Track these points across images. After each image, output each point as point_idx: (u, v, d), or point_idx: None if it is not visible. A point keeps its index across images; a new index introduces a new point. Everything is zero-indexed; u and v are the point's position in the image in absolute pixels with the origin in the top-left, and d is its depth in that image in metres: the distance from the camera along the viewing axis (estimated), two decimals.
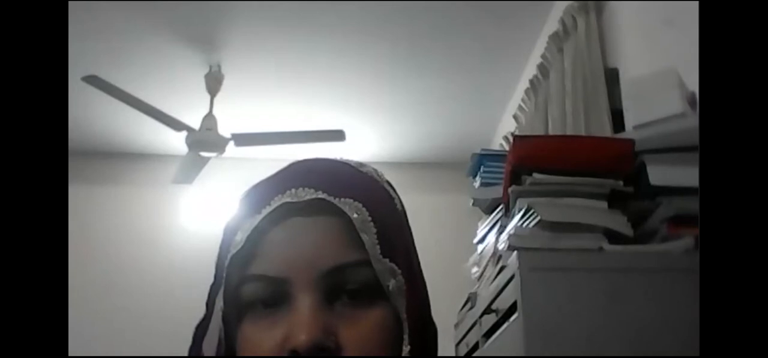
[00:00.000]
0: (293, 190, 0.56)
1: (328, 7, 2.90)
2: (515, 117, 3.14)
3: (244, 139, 3.41)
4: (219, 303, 0.59)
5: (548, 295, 1.20)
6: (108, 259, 4.06)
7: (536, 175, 1.30)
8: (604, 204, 1.27)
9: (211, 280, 0.61)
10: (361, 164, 0.62)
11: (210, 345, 0.59)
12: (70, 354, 0.69)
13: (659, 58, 1.84)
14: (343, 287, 0.54)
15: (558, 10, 2.63)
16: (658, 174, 1.26)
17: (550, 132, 2.45)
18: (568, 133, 2.22)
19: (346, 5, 2.89)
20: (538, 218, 1.24)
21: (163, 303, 3.96)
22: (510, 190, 1.35)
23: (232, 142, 3.41)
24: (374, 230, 0.55)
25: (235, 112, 3.60)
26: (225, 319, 0.57)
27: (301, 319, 0.52)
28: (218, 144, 3.40)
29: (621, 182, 1.28)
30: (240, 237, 0.56)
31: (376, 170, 0.63)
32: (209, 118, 3.40)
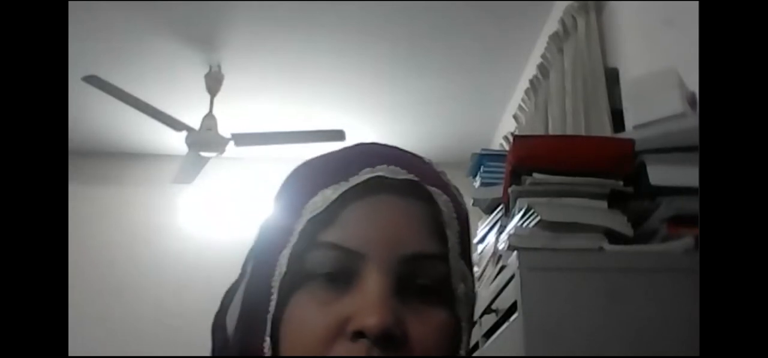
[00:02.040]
0: (385, 166, 0.53)
1: (328, 7, 2.90)
2: (515, 117, 3.14)
3: (244, 139, 3.41)
4: (248, 267, 0.56)
5: (548, 295, 1.20)
6: (108, 259, 4.06)
7: (536, 175, 1.30)
8: (604, 204, 1.27)
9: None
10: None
11: (232, 315, 0.56)
12: (70, 354, 0.69)
13: (659, 58, 1.84)
14: (416, 279, 0.50)
15: (558, 10, 2.63)
16: (658, 174, 1.26)
17: (550, 132, 2.45)
18: (568, 133, 2.22)
19: (346, 5, 2.89)
20: (538, 218, 1.24)
21: (162, 303, 3.96)
22: (510, 190, 1.35)
23: (232, 142, 3.41)
24: (457, 228, 0.53)
25: (235, 112, 3.60)
26: (281, 286, 0.52)
27: (372, 300, 0.48)
28: (218, 144, 3.40)
29: (621, 182, 1.28)
30: (320, 201, 0.52)
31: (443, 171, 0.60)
32: (209, 118, 3.40)
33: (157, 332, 3.87)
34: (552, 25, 2.69)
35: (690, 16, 1.53)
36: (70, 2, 2.10)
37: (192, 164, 3.58)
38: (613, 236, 1.23)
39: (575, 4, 2.41)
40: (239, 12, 2.97)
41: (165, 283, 4.01)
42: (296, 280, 0.51)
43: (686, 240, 1.19)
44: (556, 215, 1.25)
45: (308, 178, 0.55)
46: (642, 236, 1.26)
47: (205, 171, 3.69)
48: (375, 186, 0.52)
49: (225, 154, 3.51)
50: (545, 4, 2.83)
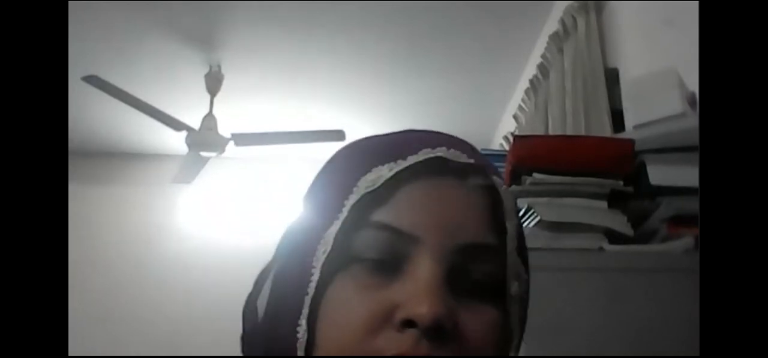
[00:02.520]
0: (445, 148, 0.50)
1: (329, 7, 2.90)
2: (515, 117, 3.14)
3: (244, 139, 3.41)
4: (284, 246, 0.52)
5: (548, 295, 1.20)
6: (108, 258, 4.06)
7: (536, 176, 1.30)
8: (604, 204, 1.27)
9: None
10: None
11: (264, 297, 0.53)
12: (70, 354, 0.69)
13: (659, 59, 1.84)
14: (469, 271, 0.47)
15: (558, 10, 2.63)
16: (658, 174, 1.26)
17: (550, 132, 2.45)
18: (568, 133, 2.22)
19: (346, 5, 2.89)
20: (538, 218, 1.24)
21: (162, 303, 3.96)
22: (510, 190, 1.35)
23: (232, 142, 3.41)
24: (515, 221, 0.50)
25: (235, 112, 3.60)
26: (324, 266, 0.48)
27: (424, 288, 0.44)
28: (218, 144, 3.40)
29: (621, 182, 1.28)
30: (374, 178, 0.48)
31: None
32: (209, 118, 3.40)
33: (158, 332, 3.87)
34: (552, 25, 2.69)
35: (690, 16, 1.53)
36: (70, 2, 2.10)
37: (192, 164, 3.58)
38: (613, 236, 1.23)
39: (575, 4, 2.41)
40: (239, 12, 2.97)
41: (165, 283, 4.01)
42: (341, 260, 0.47)
43: (686, 240, 1.19)
44: (556, 215, 1.25)
45: (362, 154, 0.51)
46: (642, 236, 1.26)
47: (205, 171, 3.69)
48: (434, 167, 0.49)
49: (225, 154, 3.51)
50: (545, 4, 2.83)
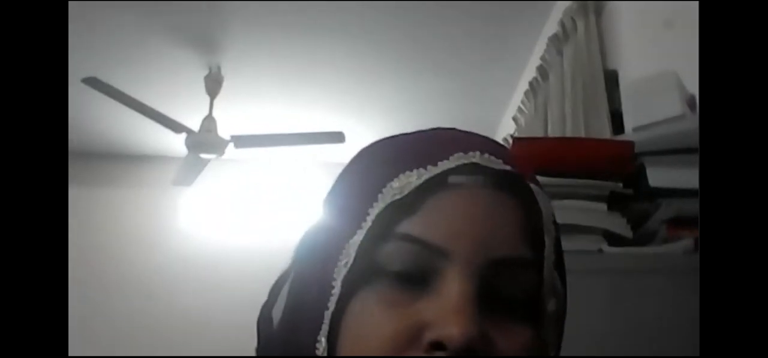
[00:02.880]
0: (479, 153, 0.46)
1: (328, 9, 2.91)
2: (514, 119, 3.14)
3: (243, 141, 3.41)
4: (300, 254, 0.49)
5: None
6: (108, 260, 4.06)
7: (536, 177, 1.30)
8: (603, 206, 1.27)
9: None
10: None
11: (279, 307, 0.50)
12: (70, 354, 0.69)
13: (659, 60, 1.84)
14: (503, 287, 0.43)
15: (557, 11, 2.64)
16: (658, 176, 1.26)
17: (550, 134, 2.45)
18: (568, 135, 2.22)
19: (346, 6, 2.89)
20: None
21: (162, 304, 3.96)
22: None
23: (231, 144, 3.41)
24: (554, 234, 0.46)
25: (234, 114, 3.60)
26: (345, 279, 0.44)
27: (455, 307, 0.41)
28: (218, 146, 3.40)
29: (620, 184, 1.28)
30: (401, 185, 0.44)
31: None
32: (209, 120, 3.40)
33: (158, 333, 3.87)
34: (551, 27, 2.69)
35: (690, 17, 1.53)
36: (70, 3, 2.10)
37: (192, 166, 3.58)
38: (613, 238, 1.23)
39: (575, 5, 2.41)
40: (239, 14, 2.97)
41: (165, 284, 4.01)
42: (364, 274, 0.44)
43: (686, 242, 1.19)
44: (555, 217, 1.25)
45: (388, 158, 0.47)
46: (642, 238, 1.26)
47: (206, 173, 3.69)
48: (469, 173, 0.45)
49: (225, 156, 3.51)
50: (545, 5, 2.83)
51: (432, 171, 0.44)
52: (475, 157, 0.45)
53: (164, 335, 3.84)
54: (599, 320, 1.18)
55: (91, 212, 4.06)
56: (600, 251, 1.23)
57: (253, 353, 0.53)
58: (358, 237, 0.44)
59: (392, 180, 0.45)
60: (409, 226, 0.44)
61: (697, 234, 1.13)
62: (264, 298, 0.53)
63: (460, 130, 0.50)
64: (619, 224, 1.25)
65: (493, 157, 0.46)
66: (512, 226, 0.44)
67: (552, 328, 0.45)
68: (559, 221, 1.33)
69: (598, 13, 2.36)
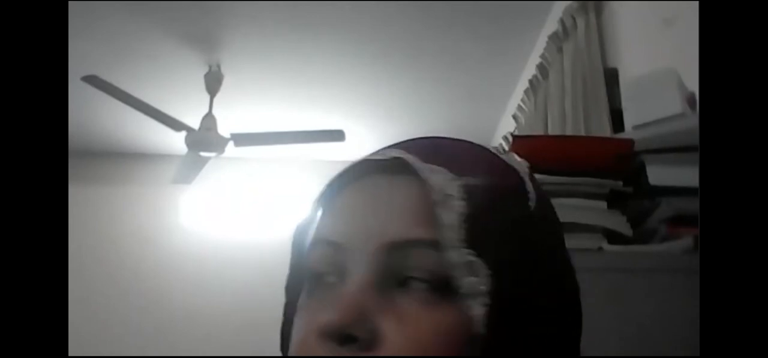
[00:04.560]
0: (383, 150, 0.47)
1: (328, 7, 2.90)
2: (515, 117, 3.14)
3: (243, 139, 3.41)
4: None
5: None
6: (108, 259, 4.06)
7: (535, 175, 1.30)
8: (603, 204, 1.27)
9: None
10: (505, 152, 0.52)
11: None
12: (70, 354, 0.69)
13: (659, 58, 1.84)
14: (403, 269, 0.43)
15: (557, 10, 2.64)
16: (658, 174, 1.26)
17: (550, 132, 2.45)
18: (568, 133, 2.22)
19: (346, 5, 2.89)
20: None
21: (162, 302, 3.96)
22: None
23: (231, 142, 3.41)
24: (462, 210, 0.43)
25: (234, 112, 3.60)
26: (287, 289, 0.49)
27: (340, 296, 0.43)
28: (218, 144, 3.40)
29: (620, 182, 1.28)
30: (323, 191, 0.48)
31: (520, 161, 0.53)
32: (209, 118, 3.40)
33: (158, 332, 3.87)
34: (551, 25, 2.69)
35: (690, 16, 1.53)
36: (70, 2, 2.10)
37: (191, 164, 3.58)
38: (613, 236, 1.23)
39: (575, 4, 2.41)
40: (239, 12, 2.97)
41: (165, 283, 4.01)
42: (303, 283, 0.48)
43: (686, 240, 1.19)
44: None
45: (340, 167, 0.50)
46: (641, 237, 1.26)
47: (206, 171, 3.69)
48: (361, 170, 0.47)
49: (224, 154, 3.51)
50: (545, 4, 2.83)
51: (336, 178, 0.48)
52: (379, 154, 0.47)
53: (164, 334, 3.84)
54: (599, 318, 1.18)
55: (91, 210, 4.06)
56: (600, 249, 1.23)
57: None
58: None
59: (325, 187, 0.49)
60: (323, 229, 0.47)
61: (696, 232, 1.13)
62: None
63: (411, 139, 0.50)
64: (619, 222, 1.25)
65: (397, 150, 0.47)
66: (405, 210, 0.45)
67: (478, 307, 0.42)
68: (560, 219, 1.34)
69: (599, 11, 2.36)
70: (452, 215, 0.43)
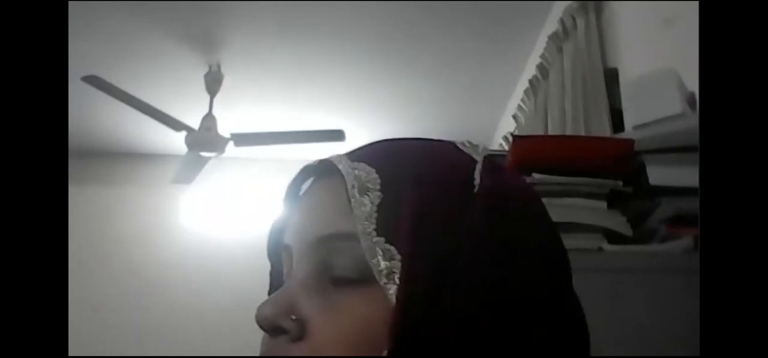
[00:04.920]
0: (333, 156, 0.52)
1: (328, 8, 2.91)
2: (515, 117, 3.14)
3: (243, 139, 3.41)
4: None
5: None
6: (108, 259, 4.07)
7: (535, 176, 1.30)
8: (603, 204, 1.27)
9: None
10: (466, 144, 0.54)
11: None
12: (70, 354, 0.69)
13: (659, 58, 1.84)
14: (333, 262, 0.47)
15: (557, 10, 2.64)
16: (658, 174, 1.26)
17: (550, 132, 2.45)
18: (568, 133, 2.22)
19: (346, 5, 2.89)
20: None
21: (162, 303, 3.96)
22: None
23: (231, 142, 3.41)
24: (376, 201, 0.45)
25: (234, 112, 3.60)
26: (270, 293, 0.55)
27: (278, 291, 0.48)
28: (218, 144, 3.40)
29: (620, 182, 1.28)
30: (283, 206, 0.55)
31: (474, 148, 0.53)
32: (209, 118, 3.40)
33: (158, 332, 3.87)
34: (551, 25, 2.69)
35: (690, 16, 1.53)
36: (70, 2, 2.10)
37: (191, 164, 3.58)
38: (613, 236, 1.23)
39: (575, 4, 2.41)
40: (239, 12, 2.97)
41: (165, 283, 4.01)
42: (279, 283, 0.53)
43: (686, 240, 1.19)
44: (555, 215, 1.23)
45: None
46: (641, 237, 1.26)
47: (206, 171, 3.69)
48: (302, 176, 0.54)
49: (224, 154, 3.51)
50: (545, 4, 2.84)
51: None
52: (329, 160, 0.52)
53: (165, 333, 3.84)
54: (599, 318, 1.18)
55: (91, 210, 4.06)
56: (600, 249, 1.23)
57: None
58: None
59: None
60: (283, 235, 0.53)
61: (696, 232, 1.13)
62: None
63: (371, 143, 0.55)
64: (619, 222, 1.25)
65: (342, 156, 0.50)
66: (330, 206, 0.49)
67: (391, 284, 0.43)
68: (559, 219, 1.34)
69: (599, 11, 2.36)
70: (366, 206, 0.46)
